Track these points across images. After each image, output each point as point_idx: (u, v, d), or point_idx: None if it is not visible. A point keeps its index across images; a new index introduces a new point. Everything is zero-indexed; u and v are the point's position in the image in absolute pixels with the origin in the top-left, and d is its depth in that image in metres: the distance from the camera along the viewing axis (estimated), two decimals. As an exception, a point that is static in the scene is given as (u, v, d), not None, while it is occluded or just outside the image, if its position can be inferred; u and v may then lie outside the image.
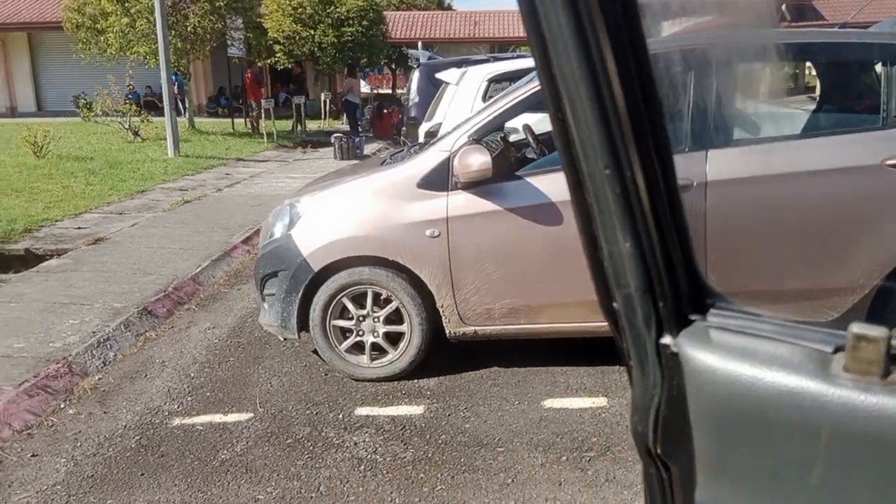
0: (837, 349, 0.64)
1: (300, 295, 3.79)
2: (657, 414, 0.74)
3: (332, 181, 4.31)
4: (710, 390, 0.69)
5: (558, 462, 2.99)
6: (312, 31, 20.32)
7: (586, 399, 3.52)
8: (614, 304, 0.74)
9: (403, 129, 11.14)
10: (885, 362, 0.61)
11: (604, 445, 3.10)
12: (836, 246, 3.43)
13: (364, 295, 3.80)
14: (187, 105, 18.61)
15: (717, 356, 0.69)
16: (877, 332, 0.61)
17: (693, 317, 0.73)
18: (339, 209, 3.89)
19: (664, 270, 0.71)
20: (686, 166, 3.53)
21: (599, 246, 0.73)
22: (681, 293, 0.72)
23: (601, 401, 3.49)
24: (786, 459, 0.67)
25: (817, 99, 4.89)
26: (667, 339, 0.72)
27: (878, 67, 3.65)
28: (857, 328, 0.61)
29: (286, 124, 18.52)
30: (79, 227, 7.26)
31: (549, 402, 3.52)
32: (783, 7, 25.84)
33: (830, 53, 3.98)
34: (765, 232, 3.48)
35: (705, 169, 3.48)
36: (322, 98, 20.71)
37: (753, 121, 6.53)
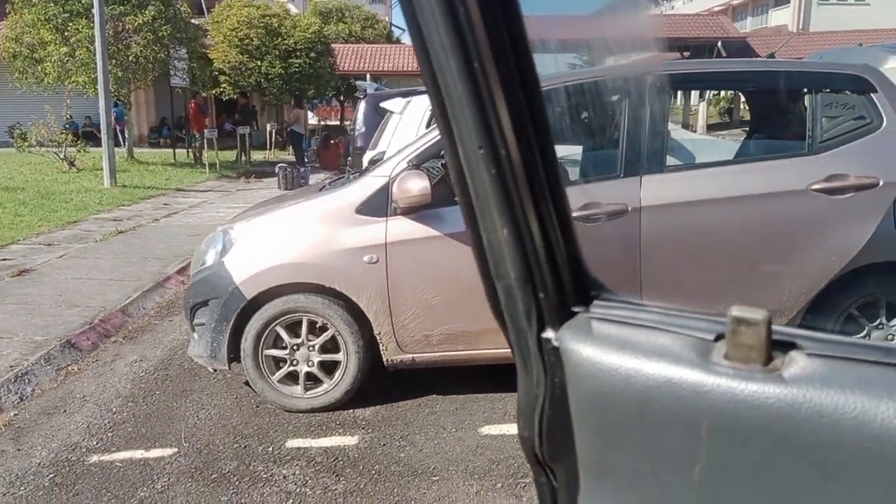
0: (719, 336, 0.59)
1: (231, 324, 3.66)
2: (542, 415, 0.69)
3: (267, 207, 4.21)
4: (589, 385, 0.64)
5: (493, 489, 2.91)
6: (259, 63, 20.24)
7: (525, 426, 3.46)
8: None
9: (349, 158, 11.09)
10: (767, 348, 0.56)
11: (542, 473, 3.03)
12: (765, 268, 3.49)
13: (299, 323, 3.68)
14: (127, 135, 18.19)
15: (597, 349, 0.64)
16: (757, 314, 0.56)
17: (576, 309, 0.68)
18: (275, 235, 3.79)
19: (545, 260, 0.66)
20: (620, 191, 3.56)
21: (480, 236, 0.67)
22: (563, 284, 0.67)
23: (540, 427, 3.44)
24: (667, 456, 0.62)
25: (749, 127, 5.04)
26: (549, 333, 0.67)
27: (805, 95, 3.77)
28: (736, 311, 0.57)
29: (230, 155, 18.26)
30: (4, 259, 6.92)
31: (487, 429, 3.45)
32: (719, 44, 26.94)
33: (758, 81, 4.11)
34: (697, 255, 3.52)
35: (640, 194, 3.51)
36: (268, 128, 20.56)
37: (688, 149, 6.72)
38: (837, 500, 0.54)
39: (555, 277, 0.67)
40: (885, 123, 3.37)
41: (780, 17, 36.00)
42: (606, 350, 0.64)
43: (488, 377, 3.87)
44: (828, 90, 3.50)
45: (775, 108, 4.35)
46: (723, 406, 0.57)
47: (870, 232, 3.29)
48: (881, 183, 3.30)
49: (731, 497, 0.59)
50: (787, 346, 0.57)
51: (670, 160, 5.91)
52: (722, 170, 3.78)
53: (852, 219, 3.32)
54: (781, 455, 0.55)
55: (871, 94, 3.40)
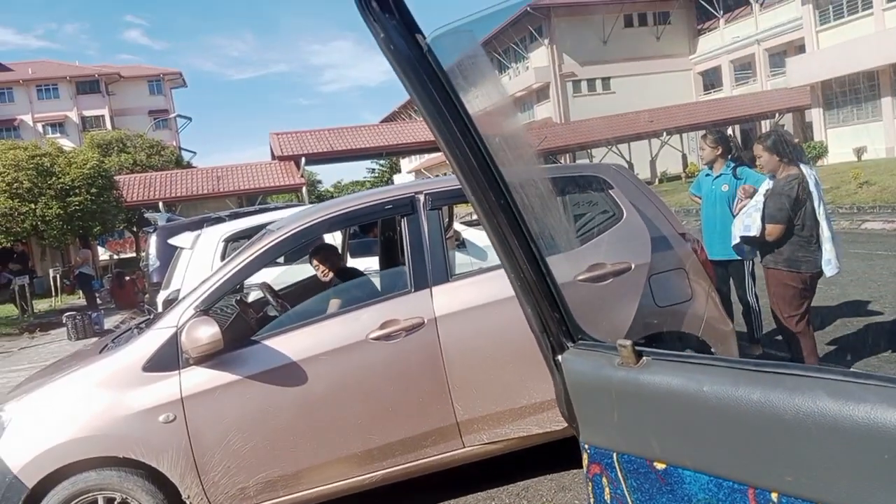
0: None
1: (15, 520, 3.23)
2: (564, 399, 1.37)
3: (43, 379, 3.83)
4: (573, 380, 1.34)
5: None
6: (33, 206, 18.71)
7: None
8: None
9: (146, 296, 10.44)
10: (635, 356, 1.22)
11: None
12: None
13: (94, 503, 3.33)
14: None
15: (576, 362, 1.34)
16: (623, 342, 1.22)
17: (568, 344, 1.36)
18: (53, 410, 3.44)
19: (550, 322, 1.34)
20: (415, 305, 3.64)
21: (524, 311, 1.37)
22: (561, 333, 1.35)
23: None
24: (603, 408, 1.29)
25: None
26: (558, 357, 1.36)
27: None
28: (620, 342, 1.23)
29: (10, 309, 16.45)
30: None
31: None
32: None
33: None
34: (496, 354, 3.66)
35: (433, 305, 3.63)
36: (51, 274, 18.84)
37: (481, 247, 7.10)
38: (662, 418, 1.17)
39: (556, 330, 1.35)
40: (624, 214, 3.84)
41: (545, 111, 40.07)
42: (579, 363, 1.33)
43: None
44: (572, 191, 3.93)
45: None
46: (621, 383, 1.23)
47: (633, 310, 3.66)
48: (633, 266, 3.72)
49: (627, 421, 1.25)
50: (642, 354, 1.22)
51: (467, 260, 6.20)
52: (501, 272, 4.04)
53: (616, 301, 3.68)
54: (644, 401, 1.20)
55: (609, 191, 3.89)
